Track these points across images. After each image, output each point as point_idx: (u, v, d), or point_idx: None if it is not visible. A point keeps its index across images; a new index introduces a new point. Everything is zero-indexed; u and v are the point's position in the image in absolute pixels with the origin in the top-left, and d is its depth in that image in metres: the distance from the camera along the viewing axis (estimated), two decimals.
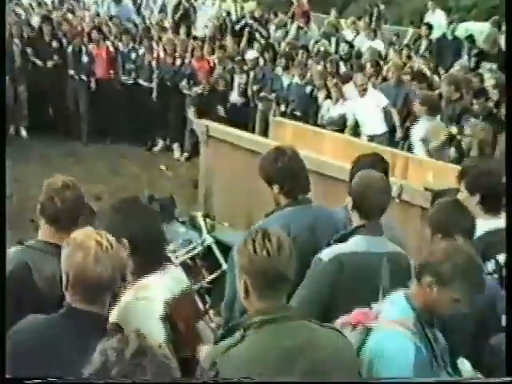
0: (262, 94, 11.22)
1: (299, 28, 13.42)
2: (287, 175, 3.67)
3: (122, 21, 13.63)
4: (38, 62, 12.00)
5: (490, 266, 3.78)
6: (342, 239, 3.44)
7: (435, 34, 12.31)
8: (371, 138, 8.96)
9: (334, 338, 2.49)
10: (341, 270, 3.27)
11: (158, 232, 3.14)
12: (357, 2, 19.95)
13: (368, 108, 9.30)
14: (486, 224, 3.82)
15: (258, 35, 13.38)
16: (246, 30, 13.40)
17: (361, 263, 3.28)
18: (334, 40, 12.86)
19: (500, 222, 3.90)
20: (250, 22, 13.87)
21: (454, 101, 8.32)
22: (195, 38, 12.82)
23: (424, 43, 12.08)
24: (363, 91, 9.38)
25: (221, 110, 10.85)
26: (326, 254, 3.33)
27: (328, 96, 10.06)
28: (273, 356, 2.35)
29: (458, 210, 3.50)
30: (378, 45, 12.29)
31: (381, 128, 9.32)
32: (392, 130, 9.39)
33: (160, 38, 12.70)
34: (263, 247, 2.38)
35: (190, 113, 11.01)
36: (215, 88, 11.31)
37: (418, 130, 7.95)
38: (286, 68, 11.14)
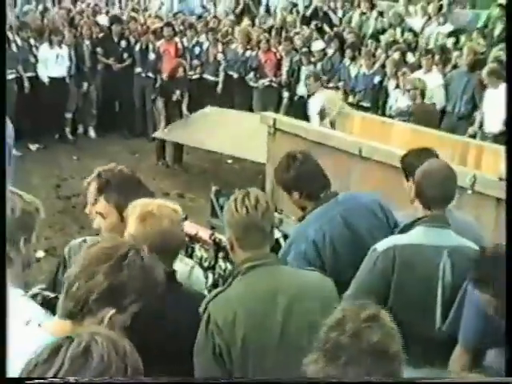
0: (330, 85, 11.02)
1: (362, 14, 13.13)
2: (302, 180, 3.65)
3: (187, 16, 13.65)
4: (110, 62, 12.10)
5: None
6: (404, 230, 3.33)
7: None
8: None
9: (310, 277, 2.82)
10: (393, 261, 3.17)
11: None
12: None
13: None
14: None
15: (325, 25, 13.15)
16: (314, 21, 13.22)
17: (415, 256, 3.16)
18: (399, 29, 12.47)
19: None
20: (320, 6, 13.68)
21: None
22: (265, 29, 12.74)
23: (499, 26, 11.57)
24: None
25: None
26: (382, 244, 3.24)
27: (397, 86, 9.79)
28: (256, 295, 2.67)
29: None
30: (447, 29, 11.87)
31: None
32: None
33: (228, 31, 12.66)
34: (242, 205, 2.71)
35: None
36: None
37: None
38: (353, 58, 10.92)
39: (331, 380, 1.83)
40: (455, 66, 9.82)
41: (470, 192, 5.18)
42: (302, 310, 2.67)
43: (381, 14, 13.19)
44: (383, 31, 12.40)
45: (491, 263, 2.72)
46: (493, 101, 8.33)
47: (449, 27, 12.02)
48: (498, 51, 9.48)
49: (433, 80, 9.51)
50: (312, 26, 13.02)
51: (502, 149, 6.80)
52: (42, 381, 1.75)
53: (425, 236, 3.21)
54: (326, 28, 13.00)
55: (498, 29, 11.41)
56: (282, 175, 3.70)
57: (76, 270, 2.20)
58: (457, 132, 8.20)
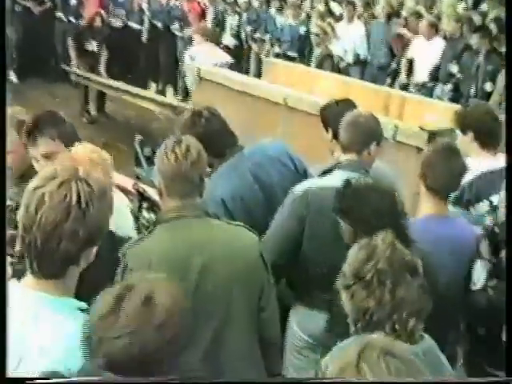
0: (256, 35, 10.94)
1: None
2: (208, 138, 3.35)
3: None
4: (29, 5, 11.69)
5: (484, 207, 3.65)
6: (323, 175, 3.33)
7: None
8: None
9: (234, 233, 2.72)
10: (307, 205, 3.17)
11: None
12: None
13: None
14: (482, 164, 3.72)
15: None
16: None
17: (328, 199, 3.02)
18: None
19: (497, 162, 3.74)
20: None
21: (455, 38, 8.09)
22: None
23: None
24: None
25: None
26: (298, 188, 3.24)
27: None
28: (174, 246, 2.60)
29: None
30: None
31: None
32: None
33: None
34: (172, 152, 2.65)
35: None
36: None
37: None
38: (280, 9, 10.85)
39: (331, 380, 1.81)
40: (373, 17, 9.86)
41: (391, 141, 5.23)
42: (220, 267, 2.62)
43: None
44: None
45: (352, 195, 2.81)
46: (424, 51, 8.47)
47: None
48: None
49: (356, 30, 9.55)
50: None
51: (424, 99, 6.99)
52: (42, 381, 1.74)
53: (339, 180, 3.09)
54: None
55: None
56: (188, 132, 3.41)
57: None
58: (377, 82, 8.27)
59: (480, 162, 3.73)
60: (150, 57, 11.64)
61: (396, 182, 3.67)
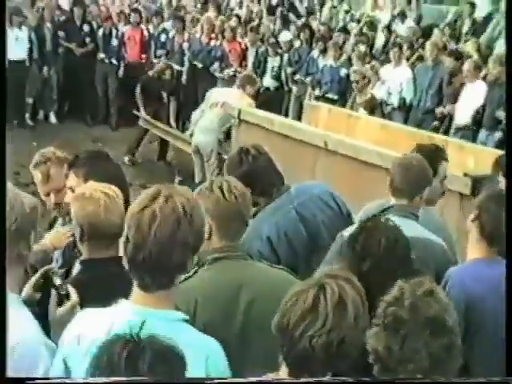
0: (297, 77, 10.91)
1: (333, 8, 13.04)
2: (255, 176, 3.45)
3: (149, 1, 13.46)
4: (71, 47, 11.83)
5: None
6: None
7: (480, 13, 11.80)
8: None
9: (276, 277, 2.72)
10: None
11: None
12: None
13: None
14: None
15: (293, 16, 13.03)
16: (280, 9, 13.09)
17: None
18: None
19: None
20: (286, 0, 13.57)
21: (502, 83, 7.93)
22: (234, 17, 12.57)
23: (467, 23, 11.54)
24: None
25: None
26: (349, 230, 3.17)
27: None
28: (219, 287, 2.59)
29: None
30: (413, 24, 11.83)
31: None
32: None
33: (193, 18, 12.48)
34: (230, 193, 2.64)
35: None
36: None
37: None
38: (324, 51, 10.80)
39: (331, 380, 1.91)
40: (421, 60, 9.74)
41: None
42: (262, 310, 2.54)
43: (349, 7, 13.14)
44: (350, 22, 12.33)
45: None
46: (468, 95, 8.34)
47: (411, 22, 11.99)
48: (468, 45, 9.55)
49: (402, 74, 9.45)
50: (277, 13, 12.90)
51: (467, 144, 6.85)
52: (42, 381, 1.81)
53: None
54: (292, 18, 12.87)
55: (467, 25, 11.41)
56: (234, 170, 3.48)
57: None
58: (422, 127, 8.14)
59: None
60: (189, 98, 11.64)
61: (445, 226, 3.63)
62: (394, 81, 9.34)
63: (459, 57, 9.14)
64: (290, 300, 2.04)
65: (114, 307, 2.13)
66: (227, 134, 7.92)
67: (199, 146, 8.30)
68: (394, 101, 9.29)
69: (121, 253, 2.48)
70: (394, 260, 2.68)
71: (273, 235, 3.39)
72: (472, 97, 8.22)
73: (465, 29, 11.19)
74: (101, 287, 2.57)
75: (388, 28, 11.50)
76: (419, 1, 13.32)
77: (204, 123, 8.22)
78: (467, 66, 8.48)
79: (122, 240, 2.13)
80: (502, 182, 3.82)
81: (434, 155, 3.82)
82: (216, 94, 8.48)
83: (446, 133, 7.93)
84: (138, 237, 2.04)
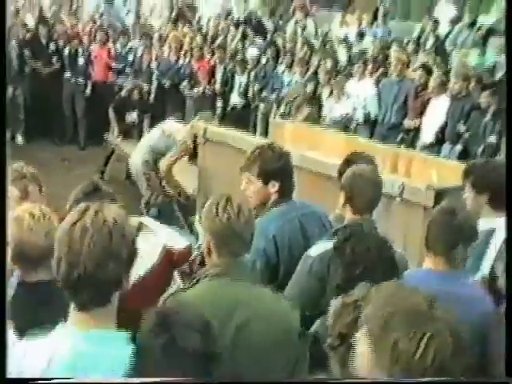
0: (264, 94, 10.96)
1: (296, 23, 13.14)
2: (286, 173, 3.70)
3: (115, 20, 13.46)
4: (37, 65, 11.77)
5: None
6: (335, 235, 3.30)
7: (443, 30, 11.99)
8: None
9: (273, 300, 2.73)
10: (328, 266, 3.12)
11: None
12: None
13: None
14: (493, 222, 3.74)
15: (259, 33, 13.11)
16: (247, 26, 13.17)
17: None
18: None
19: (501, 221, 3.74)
20: (254, 13, 13.67)
21: (462, 96, 8.06)
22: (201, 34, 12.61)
23: (431, 39, 11.71)
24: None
25: None
26: (315, 250, 3.28)
27: (330, 94, 9.78)
28: (213, 303, 2.57)
29: None
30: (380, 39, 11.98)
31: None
32: None
33: (161, 37, 12.50)
34: (224, 211, 2.66)
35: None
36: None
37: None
38: (290, 66, 10.87)
39: (332, 380, 1.88)
40: (385, 75, 9.84)
41: (398, 200, 5.17)
42: (254, 331, 2.61)
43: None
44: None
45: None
46: (433, 111, 8.42)
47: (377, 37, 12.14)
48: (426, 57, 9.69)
49: (367, 89, 9.53)
50: (245, 30, 12.98)
51: (430, 157, 6.93)
52: (42, 381, 1.78)
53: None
54: (259, 36, 12.96)
55: (431, 41, 11.57)
56: (272, 163, 3.64)
57: None
58: (387, 141, 8.21)
59: (491, 222, 3.73)
60: (157, 116, 11.64)
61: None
62: (359, 96, 9.43)
63: (427, 71, 9.25)
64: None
65: (52, 332, 2.08)
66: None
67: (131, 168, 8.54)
68: (360, 116, 9.36)
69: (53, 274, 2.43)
70: (383, 261, 2.81)
71: (278, 236, 3.50)
72: (437, 112, 8.32)
73: (428, 44, 11.34)
74: (35, 311, 2.55)
75: (351, 43, 11.65)
76: (386, 17, 13.53)
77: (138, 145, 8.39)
78: (433, 81, 8.59)
79: (54, 261, 2.06)
80: (467, 194, 3.89)
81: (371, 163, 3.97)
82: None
83: (411, 147, 8.00)
84: (71, 253, 1.99)
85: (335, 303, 2.26)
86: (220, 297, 2.63)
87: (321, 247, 3.27)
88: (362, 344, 2.01)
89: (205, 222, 2.72)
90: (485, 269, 3.63)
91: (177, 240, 3.58)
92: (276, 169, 3.65)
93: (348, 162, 4.00)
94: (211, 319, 2.39)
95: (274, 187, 3.63)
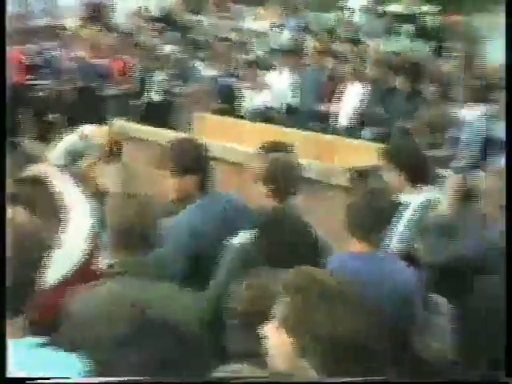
0: (182, 89, 10.93)
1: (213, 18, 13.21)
2: (203, 166, 3.72)
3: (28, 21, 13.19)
4: None
5: None
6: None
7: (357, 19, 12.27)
8: None
9: (170, 292, 2.70)
10: (250, 254, 3.19)
11: None
12: None
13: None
14: (410, 197, 3.93)
15: (176, 29, 13.08)
16: (162, 23, 13.12)
17: None
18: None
19: (430, 193, 4.01)
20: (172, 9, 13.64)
21: (378, 81, 8.26)
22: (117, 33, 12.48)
23: (346, 28, 11.95)
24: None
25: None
26: (238, 239, 3.34)
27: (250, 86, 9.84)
28: (113, 302, 2.56)
29: None
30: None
31: None
32: None
33: (76, 36, 12.32)
34: (124, 208, 2.67)
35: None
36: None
37: None
38: (206, 60, 10.88)
39: (331, 380, 1.81)
40: (303, 65, 9.95)
41: (321, 184, 5.29)
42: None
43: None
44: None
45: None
46: (351, 97, 8.56)
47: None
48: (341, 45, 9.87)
49: (285, 79, 9.63)
50: (162, 26, 12.93)
51: (350, 141, 7.08)
52: (42, 381, 1.75)
53: None
54: (176, 32, 12.93)
55: (345, 30, 11.80)
56: (187, 156, 3.68)
57: None
58: (309, 128, 8.32)
59: (413, 198, 3.92)
60: (75, 118, 11.46)
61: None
62: (278, 86, 9.51)
63: (341, 59, 9.41)
64: None
65: None
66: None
67: None
68: (280, 105, 9.44)
69: None
70: (304, 246, 2.95)
71: (199, 229, 3.51)
72: (354, 97, 8.49)
73: (343, 33, 11.56)
74: None
75: (268, 36, 11.77)
76: (301, 8, 13.74)
77: None
78: (348, 68, 8.75)
79: None
80: (387, 173, 4.04)
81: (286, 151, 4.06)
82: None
83: (331, 132, 8.15)
84: None
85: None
86: (118, 297, 2.60)
87: (243, 236, 3.32)
88: (278, 337, 2.04)
89: (108, 219, 2.73)
90: (397, 241, 3.74)
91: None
92: (191, 162, 3.66)
93: (267, 150, 4.06)
94: (110, 320, 2.42)
95: (191, 180, 3.65)
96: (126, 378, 1.66)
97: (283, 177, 3.54)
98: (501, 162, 5.72)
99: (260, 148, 4.15)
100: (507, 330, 2.67)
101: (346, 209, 3.27)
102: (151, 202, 2.76)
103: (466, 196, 4.23)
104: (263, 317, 2.12)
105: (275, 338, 2.05)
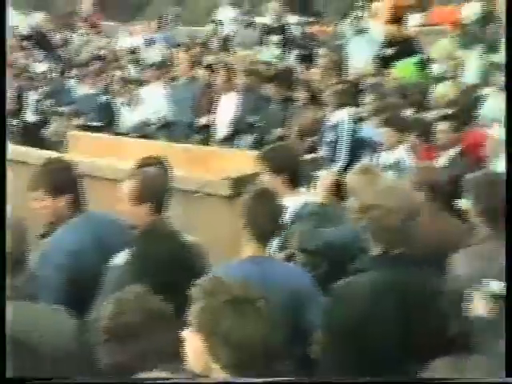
0: (55, 109, 10.73)
1: (83, 35, 13.08)
2: (75, 185, 3.68)
3: None
4: None
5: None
6: None
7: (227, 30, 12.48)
8: None
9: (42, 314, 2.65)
10: (125, 274, 3.20)
11: None
12: (152, 5, 19.65)
13: None
14: (296, 200, 4.04)
15: (45, 48, 12.85)
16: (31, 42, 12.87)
17: None
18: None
19: (303, 196, 4.12)
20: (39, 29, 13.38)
21: (250, 90, 8.44)
22: None
23: (216, 40, 12.11)
24: None
25: None
26: (117, 260, 3.33)
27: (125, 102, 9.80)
28: None
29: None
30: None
31: None
32: None
33: None
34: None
35: None
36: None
37: None
38: (80, 78, 10.76)
39: (331, 380, 1.76)
40: (175, 78, 10.02)
41: (199, 194, 5.36)
42: None
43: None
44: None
45: None
46: (224, 107, 8.69)
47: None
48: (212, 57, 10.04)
49: (159, 93, 9.65)
50: (31, 45, 12.67)
51: (226, 151, 7.20)
52: (42, 381, 1.81)
53: None
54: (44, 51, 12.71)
55: (216, 41, 11.97)
56: (57, 176, 3.63)
57: None
58: (184, 140, 8.37)
59: (294, 199, 4.03)
60: None
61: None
62: (152, 101, 9.52)
63: (214, 70, 9.52)
64: None
65: None
66: None
67: None
68: (156, 120, 9.45)
69: None
70: (178, 259, 3.04)
71: (72, 250, 3.46)
72: (227, 107, 8.61)
73: (214, 45, 11.74)
74: None
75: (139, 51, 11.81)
76: (171, 23, 13.85)
77: None
78: (220, 78, 8.87)
79: None
80: (264, 178, 4.14)
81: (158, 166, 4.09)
82: None
83: (207, 143, 8.24)
84: None
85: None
86: None
87: (122, 256, 3.31)
88: (193, 341, 2.12)
89: None
90: (278, 245, 3.86)
91: None
92: (62, 182, 3.62)
93: (139, 166, 4.07)
94: None
95: (65, 201, 3.60)
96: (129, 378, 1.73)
97: (153, 192, 3.53)
98: (372, 160, 6.05)
99: (134, 164, 4.17)
100: (507, 331, 2.70)
101: (243, 214, 3.34)
102: (24, 226, 2.72)
103: (338, 192, 4.41)
104: (133, 330, 2.19)
105: (190, 342, 2.14)
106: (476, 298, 2.93)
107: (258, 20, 12.61)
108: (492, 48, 8.82)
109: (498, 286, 2.88)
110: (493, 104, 7.05)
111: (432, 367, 1.76)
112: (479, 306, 2.92)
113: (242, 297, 2.11)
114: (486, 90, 7.69)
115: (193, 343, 2.12)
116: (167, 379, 1.93)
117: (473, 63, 8.91)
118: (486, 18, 9.72)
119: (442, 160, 5.72)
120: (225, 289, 2.13)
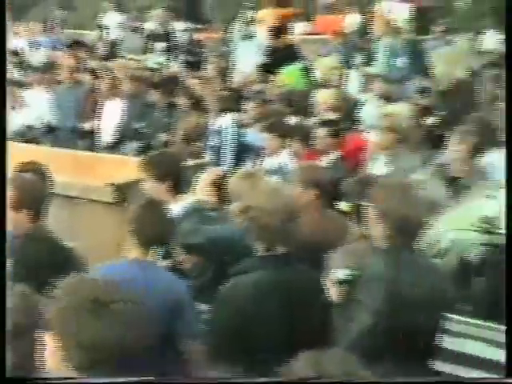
0: None
1: None
2: None
3: None
4: None
5: None
6: None
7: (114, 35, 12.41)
8: None
9: None
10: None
11: None
12: (38, 7, 19.17)
13: None
14: (181, 204, 4.13)
15: None
16: None
17: None
18: None
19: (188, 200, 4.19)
20: None
21: (135, 96, 8.43)
22: None
23: (102, 44, 12.03)
24: None
25: None
26: None
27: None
28: None
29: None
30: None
31: None
32: None
33: None
34: None
35: None
36: None
37: None
38: None
39: (332, 380, 1.77)
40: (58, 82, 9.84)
41: (83, 200, 5.33)
42: None
43: None
44: None
45: None
46: (109, 113, 8.63)
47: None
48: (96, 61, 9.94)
49: (42, 97, 9.44)
50: None
51: (111, 157, 7.15)
52: (42, 381, 1.79)
53: None
54: None
55: (102, 46, 11.89)
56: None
57: None
58: (69, 146, 8.22)
59: (179, 206, 4.11)
60: None
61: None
62: (36, 105, 9.31)
63: (99, 75, 9.42)
64: None
65: None
66: None
67: None
68: (40, 124, 9.24)
69: None
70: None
71: None
72: (112, 113, 8.55)
73: (100, 49, 11.66)
74: None
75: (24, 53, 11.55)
76: (58, 26, 13.64)
77: None
78: (104, 84, 8.80)
79: None
80: (148, 185, 4.20)
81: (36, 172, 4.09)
82: None
83: (93, 149, 8.16)
84: None
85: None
86: None
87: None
88: (49, 343, 2.11)
89: None
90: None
91: None
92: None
93: (18, 171, 4.05)
94: None
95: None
96: (127, 378, 1.70)
97: (31, 198, 3.50)
98: (256, 165, 6.19)
99: (16, 170, 4.11)
100: (507, 330, 2.76)
101: (131, 222, 3.39)
102: None
103: (221, 195, 4.47)
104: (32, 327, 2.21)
105: (46, 341, 2.13)
106: (328, 285, 3.11)
107: (147, 26, 12.61)
108: (369, 57, 9.21)
109: (343, 272, 3.08)
110: (371, 110, 7.37)
111: (293, 363, 1.78)
112: (332, 292, 3.10)
113: (101, 298, 2.09)
114: (364, 97, 8.03)
115: (48, 342, 2.12)
116: (167, 379, 1.96)
117: (353, 73, 9.30)
118: (365, 28, 10.13)
119: (323, 164, 5.92)
120: (87, 289, 2.12)
